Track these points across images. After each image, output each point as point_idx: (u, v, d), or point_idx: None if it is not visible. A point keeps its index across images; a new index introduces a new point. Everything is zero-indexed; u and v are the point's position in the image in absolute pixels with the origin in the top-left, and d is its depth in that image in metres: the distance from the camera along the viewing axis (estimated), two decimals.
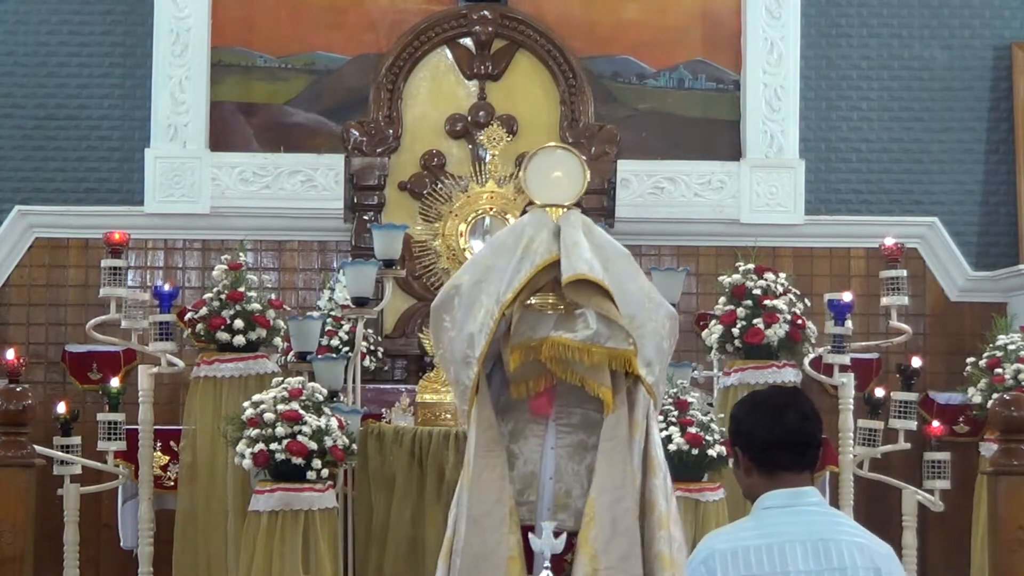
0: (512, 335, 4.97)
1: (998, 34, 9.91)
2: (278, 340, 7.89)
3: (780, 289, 8.07)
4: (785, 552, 3.47)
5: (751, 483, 3.64)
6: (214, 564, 7.56)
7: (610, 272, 5.03)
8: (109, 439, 7.75)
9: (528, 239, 5.03)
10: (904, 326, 8.16)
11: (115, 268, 7.73)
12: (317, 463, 6.88)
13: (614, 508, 4.96)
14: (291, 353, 7.61)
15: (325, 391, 7.12)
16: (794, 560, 3.47)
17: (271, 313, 7.77)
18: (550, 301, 5.05)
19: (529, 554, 4.94)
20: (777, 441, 3.59)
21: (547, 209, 5.12)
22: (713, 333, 8.08)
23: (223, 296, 7.72)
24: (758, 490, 3.62)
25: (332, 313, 8.66)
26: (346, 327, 8.52)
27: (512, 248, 5.06)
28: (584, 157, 5.42)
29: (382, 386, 8.73)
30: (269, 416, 6.89)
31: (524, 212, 5.41)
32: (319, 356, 7.53)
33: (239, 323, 7.64)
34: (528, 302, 4.99)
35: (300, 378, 7.14)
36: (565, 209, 5.13)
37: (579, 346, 4.98)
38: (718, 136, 9.79)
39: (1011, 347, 8.52)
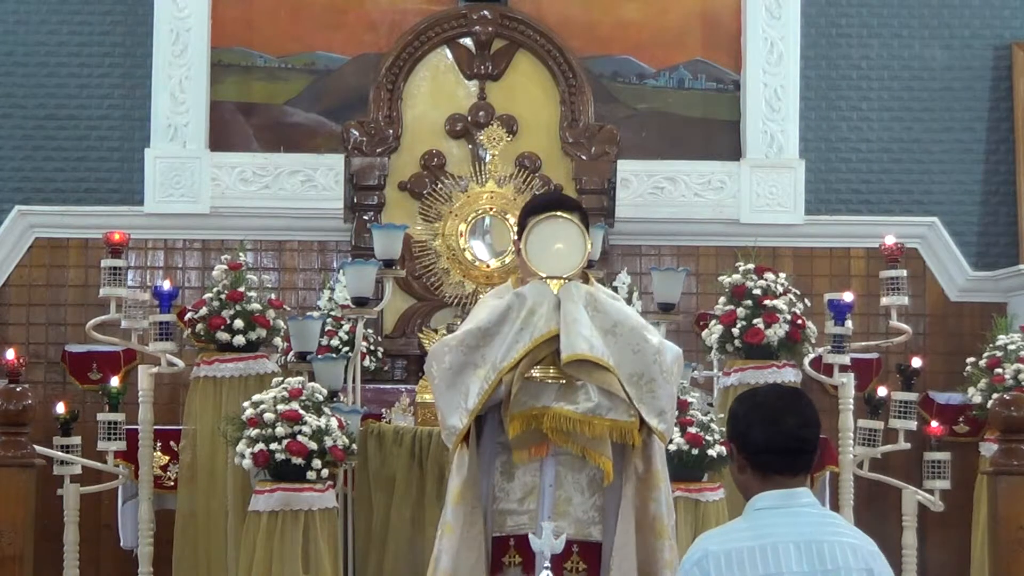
0: (512, 404, 4.97)
1: (998, 34, 9.91)
2: (278, 340, 7.89)
3: (780, 289, 8.07)
4: (779, 553, 3.47)
5: (744, 480, 3.64)
6: (214, 564, 7.56)
7: (617, 336, 5.01)
8: (109, 439, 7.75)
9: (528, 310, 5.01)
10: (904, 326, 8.16)
11: (115, 268, 7.72)
12: (317, 463, 6.88)
13: (622, 567, 5.05)
14: (291, 353, 7.62)
15: (325, 391, 7.12)
16: (788, 561, 3.47)
17: (271, 313, 7.77)
18: (551, 373, 5.03)
19: (528, 560, 4.99)
20: (772, 447, 3.58)
21: (548, 281, 5.08)
22: (713, 333, 8.08)
23: (223, 296, 7.72)
24: (750, 488, 3.62)
25: (332, 313, 8.66)
26: (346, 327, 8.51)
27: (513, 317, 5.03)
28: (584, 216, 5.29)
29: (382, 386, 8.72)
30: (269, 416, 6.89)
31: (516, 250, 5.36)
32: (319, 356, 7.53)
33: (239, 323, 7.64)
34: (529, 374, 4.99)
35: (300, 378, 7.14)
36: (566, 280, 5.08)
37: (581, 418, 4.97)
38: (718, 136, 9.78)
39: (1011, 347, 8.52)
